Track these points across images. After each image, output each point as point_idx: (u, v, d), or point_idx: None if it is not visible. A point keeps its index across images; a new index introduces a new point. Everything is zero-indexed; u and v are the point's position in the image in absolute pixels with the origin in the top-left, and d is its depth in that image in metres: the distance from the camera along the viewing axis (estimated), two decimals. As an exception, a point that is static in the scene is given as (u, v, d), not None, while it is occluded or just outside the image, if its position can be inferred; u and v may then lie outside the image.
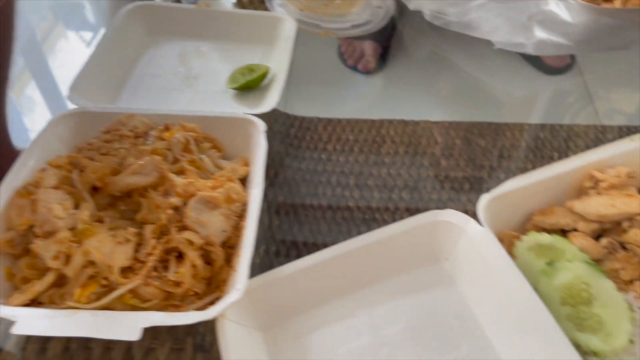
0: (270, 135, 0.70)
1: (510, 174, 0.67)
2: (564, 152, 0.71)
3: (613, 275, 0.48)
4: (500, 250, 0.48)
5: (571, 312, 0.46)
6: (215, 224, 0.51)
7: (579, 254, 0.48)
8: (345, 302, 0.51)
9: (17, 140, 0.73)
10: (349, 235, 0.58)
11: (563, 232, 0.53)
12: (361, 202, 0.64)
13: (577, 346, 0.45)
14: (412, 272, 0.52)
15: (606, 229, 0.52)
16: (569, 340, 0.45)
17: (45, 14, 1.04)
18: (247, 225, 0.50)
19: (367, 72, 0.85)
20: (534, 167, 0.64)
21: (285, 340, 0.49)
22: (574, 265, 0.47)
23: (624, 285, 0.48)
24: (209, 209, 0.52)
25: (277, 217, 0.63)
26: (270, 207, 0.64)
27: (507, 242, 0.53)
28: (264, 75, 0.73)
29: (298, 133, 0.73)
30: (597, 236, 0.52)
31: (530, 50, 0.71)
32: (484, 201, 0.52)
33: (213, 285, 0.51)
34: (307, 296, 0.51)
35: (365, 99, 0.83)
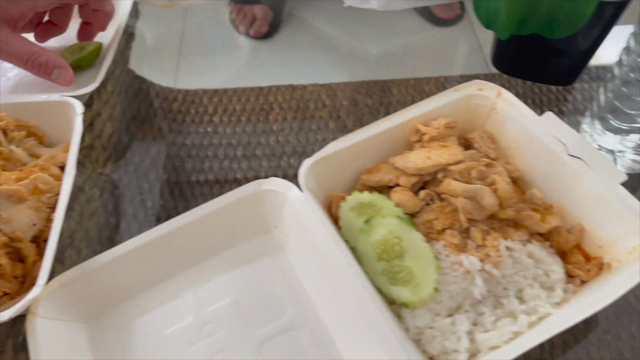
0: (152, 112, 0.69)
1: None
2: None
3: (428, 226, 0.50)
4: (318, 214, 0.48)
5: (386, 266, 0.47)
6: (22, 219, 0.48)
7: (394, 209, 0.49)
8: (171, 284, 0.50)
9: None
10: None
11: (390, 189, 0.54)
12: (249, 173, 0.64)
13: (393, 300, 0.46)
14: (243, 245, 0.52)
15: (427, 181, 0.53)
16: (379, 295, 0.46)
17: None
18: (55, 216, 0.47)
19: (259, 37, 0.82)
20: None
21: (110, 329, 0.48)
22: (387, 221, 0.47)
23: (437, 235, 0.49)
24: (13, 203, 0.48)
25: (161, 197, 0.61)
26: (152, 188, 0.61)
27: (335, 204, 0.53)
28: (95, 53, 0.68)
29: (182, 107, 0.71)
30: (420, 189, 0.53)
31: (374, 6, 0.70)
32: (305, 166, 0.52)
33: (28, 282, 0.48)
34: (131, 282, 0.49)
35: (256, 66, 0.80)
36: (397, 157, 0.53)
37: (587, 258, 0.52)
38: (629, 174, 0.61)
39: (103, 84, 0.66)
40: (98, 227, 0.58)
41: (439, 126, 0.54)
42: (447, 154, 0.50)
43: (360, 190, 0.55)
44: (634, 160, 0.60)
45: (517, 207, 0.51)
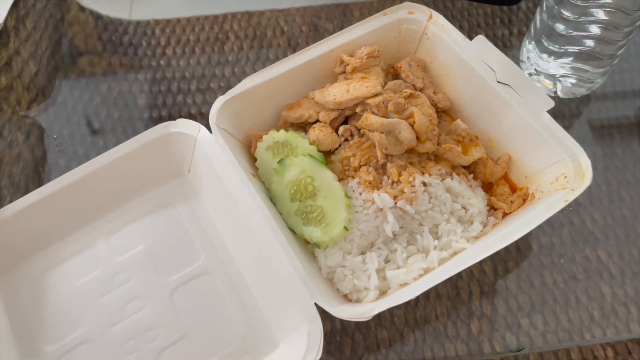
0: (100, 46, 0.65)
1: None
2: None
3: (346, 163, 0.48)
4: (228, 156, 0.46)
5: (299, 207, 0.45)
6: None
7: (308, 147, 0.47)
8: (83, 234, 0.48)
9: None
10: None
11: (312, 125, 0.52)
12: (204, 108, 0.61)
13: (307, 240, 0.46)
14: (156, 190, 0.50)
15: (349, 116, 0.51)
16: (293, 235, 0.45)
17: None
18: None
19: None
20: None
21: (22, 283, 0.47)
22: (300, 160, 0.46)
23: (353, 172, 0.47)
24: None
25: (113, 135, 0.59)
26: (104, 126, 0.59)
27: (254, 143, 0.51)
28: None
29: (133, 40, 0.67)
30: (343, 124, 0.51)
31: None
32: (217, 105, 0.49)
33: None
34: (42, 233, 0.48)
35: None
36: (316, 91, 0.51)
37: (513, 189, 0.51)
38: (569, 99, 0.60)
39: (21, 20, 0.61)
40: (24, 173, 0.56)
41: (362, 56, 0.51)
42: (366, 86, 0.48)
43: (282, 127, 0.52)
44: (573, 84, 0.57)
45: (439, 140, 0.49)
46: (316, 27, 0.69)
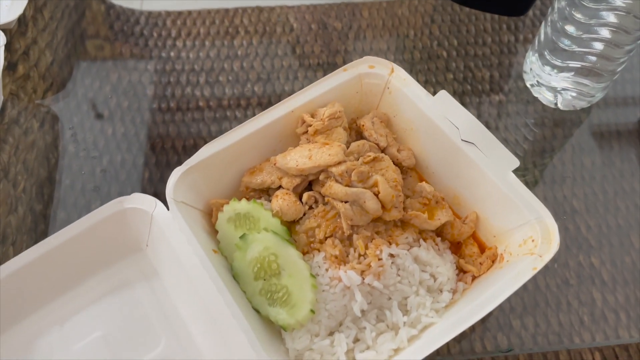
0: (112, 36, 0.67)
1: (364, 55, 0.64)
2: (419, 29, 0.70)
3: (311, 234, 0.47)
4: (186, 233, 0.44)
5: (264, 285, 0.44)
6: None
7: (272, 220, 0.46)
8: (34, 321, 0.46)
9: None
10: (198, 136, 0.60)
11: (275, 190, 0.50)
12: (212, 101, 0.63)
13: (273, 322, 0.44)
14: (112, 269, 0.48)
15: (313, 181, 0.50)
16: (258, 317, 0.44)
17: None
18: None
19: None
20: (388, 47, 0.66)
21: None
22: (263, 236, 0.44)
23: (319, 245, 0.46)
24: None
25: (122, 124, 0.60)
26: (113, 115, 0.60)
27: (215, 213, 0.49)
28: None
29: (144, 31, 0.68)
30: (307, 189, 0.50)
31: None
32: (173, 177, 0.47)
33: None
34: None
35: None
36: (278, 157, 0.49)
37: (482, 248, 0.50)
38: (569, 111, 0.62)
39: (39, 10, 0.63)
40: (37, 160, 0.57)
41: (323, 118, 0.50)
42: (328, 154, 0.47)
43: (245, 193, 0.51)
44: (573, 97, 0.59)
45: (405, 204, 0.48)
46: (325, 25, 0.70)
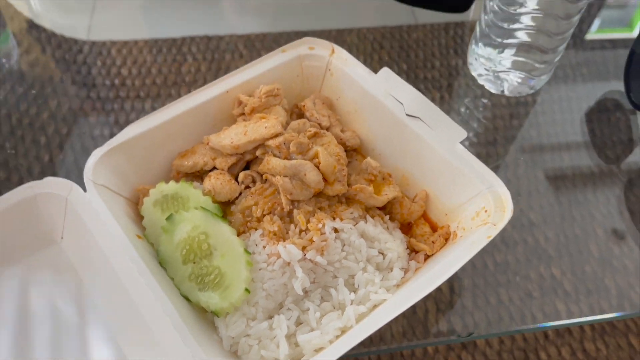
0: (53, 64, 0.64)
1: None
2: (368, 55, 0.69)
3: (247, 214, 0.43)
4: (105, 218, 0.40)
5: (193, 269, 0.40)
6: None
7: (202, 199, 0.42)
8: None
9: None
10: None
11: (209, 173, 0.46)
12: None
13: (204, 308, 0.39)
14: (21, 263, 0.42)
15: (251, 161, 0.46)
16: (189, 306, 0.39)
17: None
18: None
19: None
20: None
21: None
22: (191, 215, 0.40)
23: (257, 223, 0.42)
24: None
25: (60, 152, 0.56)
26: (50, 142, 0.56)
27: (141, 199, 0.45)
28: None
29: (88, 59, 0.66)
30: (245, 169, 0.46)
31: None
32: (93, 158, 0.43)
33: None
34: None
35: (169, 16, 0.74)
36: (212, 136, 0.46)
37: (434, 228, 0.47)
38: (516, 101, 0.62)
39: None
40: None
41: (260, 95, 0.47)
42: (264, 126, 0.44)
43: (176, 179, 0.47)
44: (519, 83, 0.59)
45: (350, 181, 0.45)
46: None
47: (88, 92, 0.62)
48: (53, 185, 0.42)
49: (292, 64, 0.52)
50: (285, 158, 0.43)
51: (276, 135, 0.44)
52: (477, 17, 0.70)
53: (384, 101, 0.49)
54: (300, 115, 0.52)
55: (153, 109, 0.60)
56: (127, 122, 0.57)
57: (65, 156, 0.56)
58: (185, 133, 0.48)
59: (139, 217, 0.45)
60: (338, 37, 0.72)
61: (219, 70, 0.66)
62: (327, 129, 0.49)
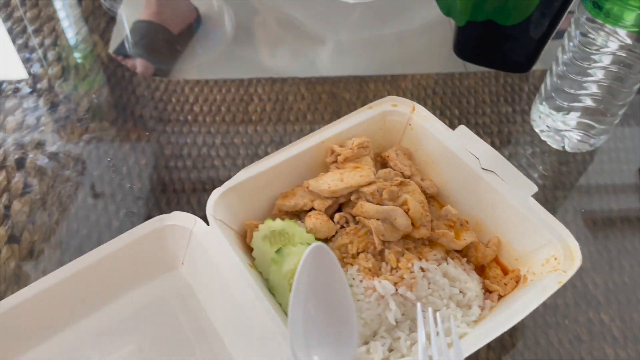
0: (133, 99, 0.72)
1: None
2: (422, 100, 0.75)
3: (343, 250, 0.49)
4: (225, 248, 0.47)
5: (300, 297, 0.46)
6: None
7: (306, 236, 0.49)
8: (70, 334, 0.47)
9: None
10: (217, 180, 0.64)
11: (307, 213, 0.53)
12: (227, 160, 0.67)
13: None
14: (148, 285, 0.50)
15: (343, 203, 0.53)
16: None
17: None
18: None
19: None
20: None
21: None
22: (298, 250, 0.47)
23: (352, 259, 0.49)
24: None
25: (139, 181, 0.63)
26: (131, 172, 0.64)
27: (250, 233, 0.52)
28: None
29: (163, 96, 0.74)
30: (337, 211, 0.53)
31: None
32: (214, 197, 0.51)
33: None
34: (25, 335, 0.46)
35: (238, 58, 0.83)
36: (311, 180, 0.53)
37: (505, 271, 0.53)
38: (574, 154, 0.67)
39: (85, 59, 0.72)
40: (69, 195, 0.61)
41: (353, 146, 0.54)
42: (359, 175, 0.51)
43: (277, 216, 0.54)
44: (579, 140, 0.64)
45: (432, 225, 0.51)
46: (334, 95, 0.76)
47: (164, 127, 0.70)
48: (181, 218, 0.50)
49: (376, 119, 0.59)
50: (377, 203, 0.50)
51: (369, 183, 0.51)
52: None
53: (460, 155, 0.55)
54: (383, 163, 0.58)
55: (222, 144, 0.68)
56: (200, 156, 0.66)
57: (165, 191, 0.63)
58: (286, 177, 0.55)
59: (246, 248, 0.52)
60: (393, 82, 0.78)
61: (282, 110, 0.73)
62: (409, 178, 0.56)
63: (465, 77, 0.80)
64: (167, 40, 0.84)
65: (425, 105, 0.74)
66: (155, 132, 0.69)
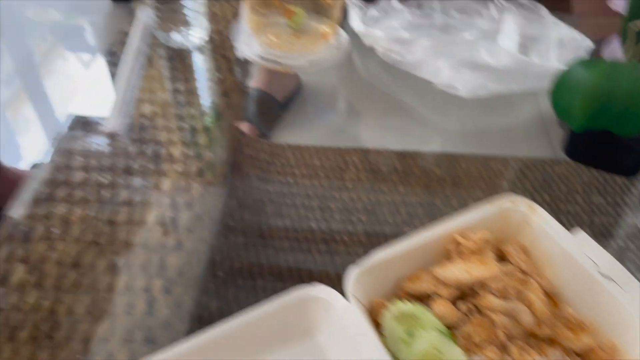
0: (242, 159, 0.81)
1: (461, 200, 0.76)
2: (512, 182, 0.80)
3: (467, 338, 0.54)
4: (364, 325, 0.52)
5: (428, 379, 0.50)
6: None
7: (435, 321, 0.54)
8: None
9: (9, 159, 0.74)
10: (309, 254, 0.68)
11: (429, 297, 0.59)
12: (322, 224, 0.72)
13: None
14: (285, 350, 0.56)
15: (467, 293, 0.58)
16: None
17: (44, 36, 1.05)
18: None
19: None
20: (483, 195, 0.74)
21: None
22: (428, 334, 0.52)
23: (475, 348, 0.53)
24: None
25: (243, 236, 0.70)
26: (231, 229, 0.70)
27: (378, 311, 0.58)
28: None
29: (268, 157, 0.82)
30: (459, 298, 0.58)
31: (463, 94, 0.80)
32: (352, 275, 0.57)
33: None
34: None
35: (338, 131, 0.93)
36: (437, 268, 0.59)
37: (619, 377, 0.55)
38: None
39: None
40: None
41: (477, 240, 0.60)
42: (486, 270, 0.56)
43: (400, 296, 0.59)
44: None
45: (552, 323, 0.55)
46: (425, 169, 0.81)
47: (267, 187, 0.77)
48: (322, 291, 0.56)
49: (496, 215, 0.64)
50: (502, 297, 0.54)
51: (494, 278, 0.55)
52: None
53: (577, 258, 0.59)
54: (500, 256, 0.63)
55: (319, 208, 0.73)
56: (299, 216, 0.70)
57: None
58: (412, 260, 0.61)
59: (373, 324, 0.58)
60: (484, 162, 0.83)
61: (376, 180, 0.79)
62: (526, 273, 0.60)
63: (556, 164, 0.82)
64: (272, 107, 0.94)
65: (515, 188, 0.78)
66: (259, 190, 0.75)
